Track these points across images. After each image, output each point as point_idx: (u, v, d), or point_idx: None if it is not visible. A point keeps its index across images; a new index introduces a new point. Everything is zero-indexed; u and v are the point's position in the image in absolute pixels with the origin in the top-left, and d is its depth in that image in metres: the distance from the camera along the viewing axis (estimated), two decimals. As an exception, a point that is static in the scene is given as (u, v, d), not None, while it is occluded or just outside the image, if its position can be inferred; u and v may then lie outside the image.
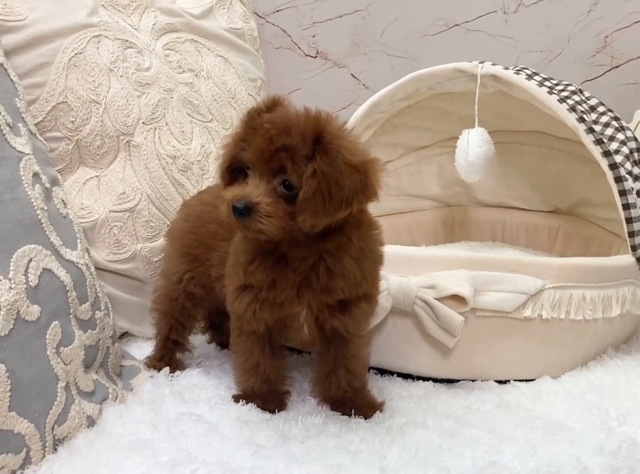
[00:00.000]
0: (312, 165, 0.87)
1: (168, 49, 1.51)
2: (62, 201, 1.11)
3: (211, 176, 1.46)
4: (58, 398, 0.92)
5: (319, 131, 0.88)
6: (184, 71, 1.51)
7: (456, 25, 1.97)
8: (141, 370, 1.19)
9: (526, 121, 1.66)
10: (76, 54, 1.34)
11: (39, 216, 0.98)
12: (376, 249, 1.00)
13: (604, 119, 1.38)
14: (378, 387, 1.12)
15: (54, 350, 0.93)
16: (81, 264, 1.07)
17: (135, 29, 1.47)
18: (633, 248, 1.26)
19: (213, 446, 0.92)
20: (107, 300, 1.18)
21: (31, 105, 1.28)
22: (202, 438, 0.93)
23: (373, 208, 0.98)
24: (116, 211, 1.34)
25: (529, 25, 1.97)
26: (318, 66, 1.99)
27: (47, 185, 1.06)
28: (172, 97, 1.45)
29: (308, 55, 1.98)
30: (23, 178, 0.98)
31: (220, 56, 1.61)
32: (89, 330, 1.05)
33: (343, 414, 1.03)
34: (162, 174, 1.39)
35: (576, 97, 1.37)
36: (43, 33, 1.31)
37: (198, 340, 1.32)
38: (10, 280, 0.88)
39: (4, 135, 0.97)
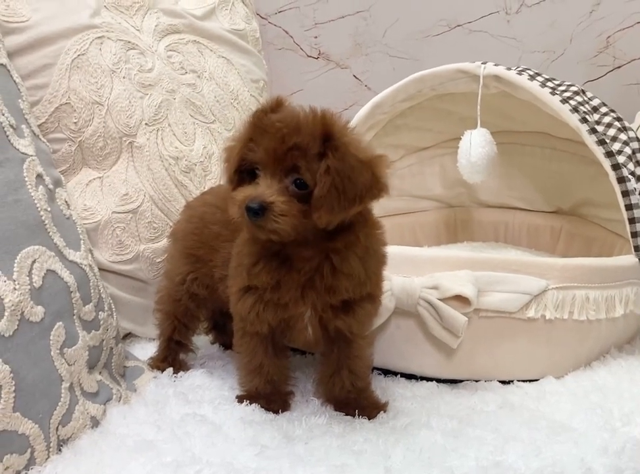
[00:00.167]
0: (325, 162, 0.88)
1: (170, 50, 1.51)
2: (66, 202, 1.11)
3: (213, 177, 1.46)
4: (62, 399, 0.92)
5: (327, 130, 0.89)
6: (186, 72, 1.52)
7: (458, 25, 1.96)
8: (145, 371, 1.19)
9: (528, 122, 1.66)
10: (78, 55, 1.34)
11: (43, 218, 0.98)
12: (380, 249, 1.00)
13: (607, 120, 1.38)
14: (381, 387, 1.12)
15: (58, 351, 0.94)
16: (85, 265, 1.07)
17: (138, 30, 1.47)
18: (636, 248, 1.26)
19: (217, 446, 0.92)
20: (111, 301, 1.18)
21: (34, 106, 1.29)
22: (206, 439, 0.93)
23: (375, 208, 0.99)
24: (119, 212, 1.35)
25: (531, 25, 1.97)
26: (320, 67, 1.99)
27: (51, 186, 1.06)
28: (174, 98, 1.46)
29: (310, 56, 1.98)
30: (26, 179, 0.98)
31: (223, 57, 1.62)
32: (93, 331, 1.05)
33: (347, 414, 1.03)
34: (165, 175, 1.39)
35: (579, 98, 1.37)
36: (46, 35, 1.32)
37: (201, 341, 1.32)
38: (15, 281, 0.88)
39: (7, 136, 0.98)
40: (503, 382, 1.14)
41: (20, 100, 1.08)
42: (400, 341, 1.14)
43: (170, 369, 1.18)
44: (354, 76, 2.00)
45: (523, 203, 1.80)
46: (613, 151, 1.29)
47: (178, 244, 1.20)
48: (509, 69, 1.41)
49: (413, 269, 1.13)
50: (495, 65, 1.42)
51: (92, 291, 1.07)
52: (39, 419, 0.87)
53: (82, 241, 1.10)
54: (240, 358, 1.07)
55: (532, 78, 1.38)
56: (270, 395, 1.05)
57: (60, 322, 0.95)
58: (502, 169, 1.67)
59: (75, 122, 1.33)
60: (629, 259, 1.25)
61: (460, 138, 1.50)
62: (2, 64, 1.06)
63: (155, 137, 1.40)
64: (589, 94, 1.43)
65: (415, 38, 1.97)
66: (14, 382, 0.84)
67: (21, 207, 0.95)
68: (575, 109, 1.32)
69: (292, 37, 1.96)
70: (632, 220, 1.26)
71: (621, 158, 1.29)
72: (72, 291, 1.00)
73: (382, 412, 1.03)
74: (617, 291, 1.20)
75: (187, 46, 1.55)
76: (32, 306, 0.90)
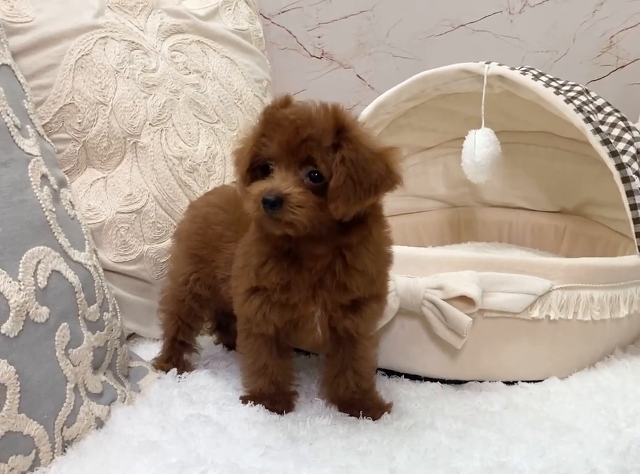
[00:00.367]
0: (340, 153, 0.88)
1: (174, 50, 1.51)
2: (70, 202, 1.11)
3: (217, 177, 1.46)
4: (67, 400, 0.92)
5: (340, 122, 0.90)
6: (190, 72, 1.51)
7: (461, 25, 1.96)
8: (149, 372, 1.19)
9: (532, 121, 1.66)
10: (82, 55, 1.34)
11: (48, 218, 0.98)
12: (387, 248, 1.00)
13: (611, 119, 1.38)
14: (385, 388, 1.12)
15: (63, 352, 0.94)
16: (90, 266, 1.07)
17: (142, 30, 1.47)
18: (641, 248, 1.26)
19: (222, 447, 0.92)
20: (115, 301, 1.18)
21: (39, 106, 1.28)
22: (211, 440, 0.93)
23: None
24: (123, 212, 1.35)
25: (534, 25, 1.97)
26: (323, 67, 1.99)
27: (55, 186, 1.06)
28: (178, 98, 1.45)
29: (313, 56, 1.98)
30: (31, 179, 0.98)
31: (226, 57, 1.62)
32: (98, 332, 1.05)
33: (351, 415, 1.03)
34: (169, 175, 1.39)
35: (583, 98, 1.37)
36: (50, 35, 1.31)
37: (205, 341, 1.32)
38: (20, 281, 0.88)
39: (12, 137, 0.98)
40: (507, 383, 1.14)
41: (24, 100, 1.08)
42: (404, 341, 1.14)
43: (174, 370, 1.18)
44: (357, 75, 2.00)
45: (527, 202, 1.80)
46: (618, 150, 1.29)
47: (182, 244, 1.20)
48: (513, 69, 1.41)
49: (418, 269, 1.12)
50: (499, 65, 1.42)
51: (97, 291, 1.07)
52: (44, 420, 0.87)
53: (87, 242, 1.10)
54: (244, 359, 1.07)
55: (536, 77, 1.38)
56: (274, 396, 1.05)
57: (65, 323, 0.95)
58: (505, 169, 1.67)
59: (79, 122, 1.33)
60: (634, 259, 1.25)
61: (464, 138, 1.50)
62: (6, 65, 1.06)
63: (159, 138, 1.40)
64: (593, 94, 1.43)
65: (418, 38, 1.97)
66: (19, 383, 0.84)
67: (26, 207, 0.95)
68: (579, 109, 1.32)
69: (295, 37, 1.96)
70: (636, 220, 1.26)
71: (625, 158, 1.29)
72: (76, 292, 1.00)
73: (386, 413, 1.03)
74: (622, 292, 1.20)
75: (191, 46, 1.55)
76: (37, 307, 0.90)
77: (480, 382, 1.14)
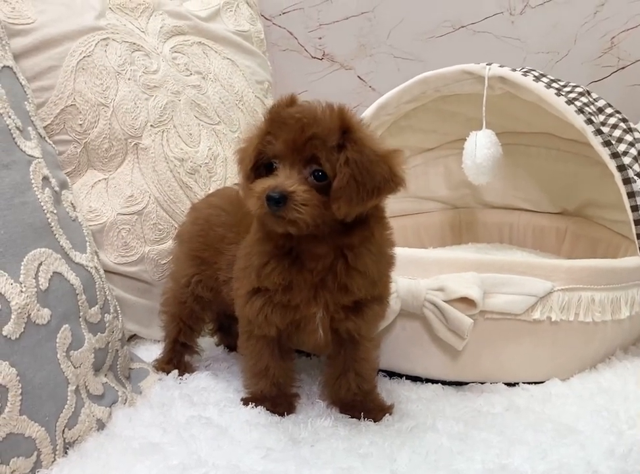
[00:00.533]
0: (344, 154, 0.88)
1: (175, 51, 1.51)
2: (72, 204, 1.11)
3: (218, 179, 1.46)
4: (68, 402, 0.92)
5: (345, 123, 0.90)
6: (191, 74, 1.52)
7: (462, 26, 1.96)
8: (150, 373, 1.19)
9: (533, 123, 1.66)
10: (84, 57, 1.34)
11: (49, 220, 0.99)
12: (389, 250, 1.00)
13: (612, 120, 1.38)
14: (387, 390, 1.12)
15: (64, 353, 0.94)
16: (91, 268, 1.07)
17: (143, 32, 1.47)
18: (642, 249, 1.26)
19: (223, 449, 0.92)
20: (116, 303, 1.18)
21: (40, 108, 1.29)
22: (212, 442, 0.93)
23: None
24: (124, 214, 1.35)
25: (535, 26, 1.97)
26: (324, 68, 1.99)
27: (57, 188, 1.06)
28: (179, 100, 1.46)
29: (315, 57, 1.98)
30: (33, 181, 0.98)
31: (228, 58, 1.62)
32: (99, 333, 1.05)
33: (352, 417, 1.03)
34: (170, 177, 1.39)
35: (584, 99, 1.37)
36: (51, 37, 1.32)
37: (206, 342, 1.32)
38: (21, 283, 0.88)
39: (14, 138, 0.98)
40: (508, 384, 1.13)
41: (26, 102, 1.08)
42: (406, 343, 1.14)
43: (176, 371, 1.18)
44: (358, 76, 1.99)
45: (528, 204, 1.80)
46: (619, 152, 1.29)
47: (184, 246, 1.20)
48: (514, 70, 1.40)
49: (419, 271, 1.12)
50: (500, 66, 1.42)
51: (98, 293, 1.07)
52: (46, 422, 0.88)
53: (88, 244, 1.11)
54: (245, 361, 1.07)
55: (537, 79, 1.38)
56: (275, 397, 1.05)
57: (67, 325, 0.95)
58: (506, 170, 1.67)
59: (80, 124, 1.33)
60: (635, 260, 1.25)
61: (465, 139, 1.50)
62: (8, 67, 1.06)
63: (160, 139, 1.40)
64: (594, 95, 1.43)
65: (419, 39, 1.97)
66: (20, 385, 0.84)
67: (27, 209, 0.95)
68: (580, 110, 1.32)
69: (296, 38, 1.96)
70: (638, 222, 1.26)
71: (626, 160, 1.29)
72: (78, 294, 1.00)
73: (387, 415, 1.03)
74: (623, 293, 1.20)
75: (192, 47, 1.55)
76: (39, 309, 0.90)
77: (482, 383, 1.14)
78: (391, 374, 1.18)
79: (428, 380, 1.16)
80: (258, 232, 0.98)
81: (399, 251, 1.06)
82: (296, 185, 0.88)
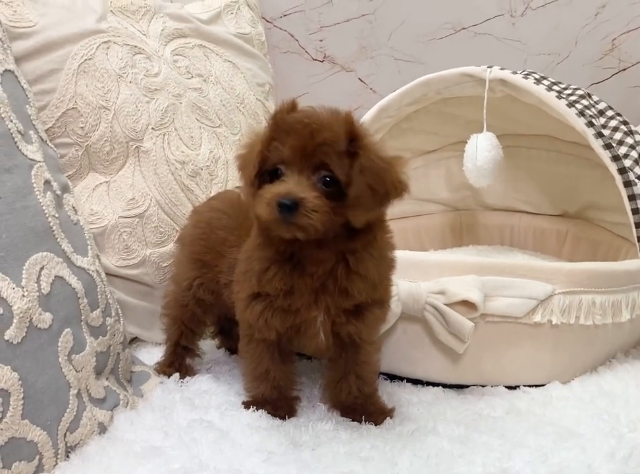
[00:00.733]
0: (359, 162, 0.89)
1: (176, 54, 1.51)
2: (73, 207, 1.11)
3: (219, 181, 1.46)
4: (70, 405, 0.92)
5: (353, 129, 0.91)
6: (192, 76, 1.52)
7: (463, 28, 1.96)
8: (151, 376, 1.20)
9: (534, 125, 1.66)
10: (85, 60, 1.35)
11: (51, 224, 0.99)
12: (390, 253, 1.01)
13: (613, 123, 1.38)
14: (388, 393, 1.12)
15: (66, 357, 0.94)
16: (92, 271, 1.07)
17: (144, 34, 1.47)
18: (643, 252, 1.26)
19: (224, 452, 0.92)
20: (118, 306, 1.18)
21: (41, 111, 1.29)
22: (213, 445, 0.93)
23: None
24: (125, 217, 1.35)
25: (536, 28, 1.97)
26: (325, 71, 1.99)
27: (58, 192, 1.06)
28: (180, 103, 1.46)
29: (315, 59, 1.98)
30: (34, 185, 0.98)
31: (229, 61, 1.62)
32: (100, 337, 1.05)
33: (353, 420, 1.03)
34: (172, 180, 1.39)
35: (585, 101, 1.37)
36: (53, 40, 1.32)
37: (207, 345, 1.32)
38: (23, 288, 0.89)
39: (15, 143, 0.98)
40: (509, 388, 1.13)
41: (27, 106, 1.08)
42: (407, 346, 1.14)
43: (177, 374, 1.18)
44: (359, 79, 2.00)
45: (528, 206, 1.80)
46: (620, 154, 1.29)
47: (186, 249, 1.21)
48: (515, 73, 1.41)
49: (420, 274, 1.13)
50: (501, 69, 1.42)
51: (99, 297, 1.07)
52: (48, 426, 0.88)
53: (90, 247, 1.11)
54: (246, 364, 1.08)
55: (538, 81, 1.38)
56: (276, 401, 1.05)
57: (68, 329, 0.96)
58: (507, 172, 1.67)
59: (82, 127, 1.33)
60: (636, 263, 1.25)
61: (466, 141, 1.51)
62: (10, 71, 1.06)
63: (162, 142, 1.40)
64: (595, 98, 1.43)
65: (420, 41, 1.97)
66: (22, 389, 0.85)
67: (29, 213, 0.95)
68: (581, 113, 1.32)
69: (297, 40, 1.96)
70: (638, 224, 1.26)
71: (627, 162, 1.29)
72: (79, 298, 1.00)
73: (388, 418, 1.03)
74: (624, 296, 1.20)
75: (194, 50, 1.56)
76: (40, 313, 0.90)
77: (483, 386, 1.14)
78: (392, 377, 1.18)
79: (429, 383, 1.16)
80: (259, 237, 0.98)
81: (400, 254, 1.06)
82: (307, 191, 0.88)
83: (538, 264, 1.30)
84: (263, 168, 0.92)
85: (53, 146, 1.17)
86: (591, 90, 1.46)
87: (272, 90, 1.75)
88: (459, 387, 1.15)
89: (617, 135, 1.35)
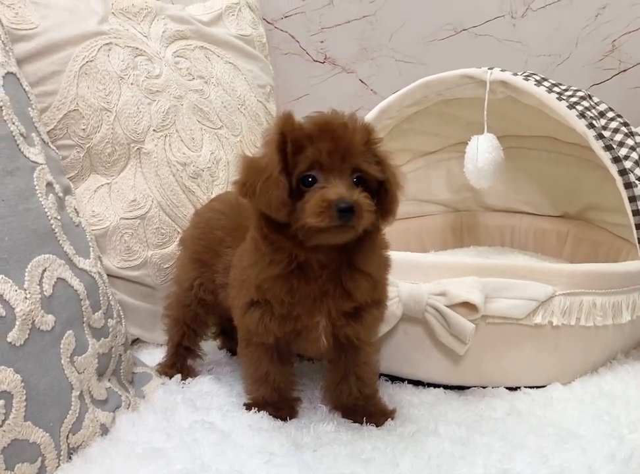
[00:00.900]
0: (388, 168, 0.92)
1: (178, 56, 1.52)
2: (75, 209, 1.12)
3: (220, 183, 1.47)
4: (72, 407, 0.93)
5: (372, 135, 0.93)
6: (193, 78, 1.52)
7: (464, 30, 1.96)
8: (153, 377, 1.20)
9: (535, 126, 1.66)
10: (86, 62, 1.35)
11: (53, 226, 0.99)
12: (385, 251, 1.01)
13: (614, 125, 1.38)
14: (389, 394, 1.13)
15: (68, 359, 0.94)
16: (94, 273, 1.08)
17: (146, 36, 1.48)
18: (643, 254, 1.26)
19: (226, 454, 0.92)
20: (119, 308, 1.18)
21: (43, 113, 1.29)
22: (215, 447, 0.94)
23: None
24: (127, 218, 1.35)
25: (536, 29, 1.97)
26: (326, 72, 1.99)
27: (60, 194, 1.07)
28: (182, 104, 1.46)
29: (316, 61, 1.98)
30: (37, 188, 0.99)
31: (230, 62, 1.62)
32: (102, 338, 1.06)
33: (355, 421, 1.03)
34: (173, 181, 1.40)
35: (585, 103, 1.37)
36: (54, 42, 1.32)
37: (209, 346, 1.33)
38: (25, 290, 0.89)
39: (18, 145, 0.98)
40: (510, 389, 1.14)
41: (29, 108, 1.09)
42: (408, 347, 1.15)
43: (179, 376, 1.19)
44: (360, 80, 2.00)
45: (529, 207, 1.80)
46: (620, 156, 1.29)
47: (187, 250, 1.21)
48: (515, 74, 1.41)
49: (420, 275, 1.13)
50: (502, 70, 1.42)
51: (101, 298, 1.08)
52: (50, 428, 0.88)
53: (91, 249, 1.11)
54: (245, 367, 1.08)
55: (538, 83, 1.38)
56: (277, 402, 1.06)
57: (71, 331, 0.96)
58: (508, 173, 1.67)
59: (83, 129, 1.34)
60: (636, 264, 1.25)
61: (466, 143, 1.50)
62: (12, 73, 1.07)
63: (163, 143, 1.40)
64: (596, 99, 1.43)
65: (421, 42, 1.97)
66: (25, 391, 0.85)
67: (31, 215, 0.95)
68: (582, 115, 1.32)
69: (298, 41, 1.96)
70: (639, 226, 1.26)
71: (628, 164, 1.29)
72: (81, 299, 1.00)
73: (390, 419, 1.04)
74: (624, 297, 1.20)
75: (195, 52, 1.56)
76: (43, 315, 0.91)
77: (483, 388, 1.14)
78: (393, 379, 1.18)
79: (430, 385, 1.16)
80: (262, 247, 0.95)
81: (401, 256, 1.07)
82: (355, 193, 0.88)
83: (538, 266, 1.30)
84: (291, 182, 0.89)
85: (54, 148, 1.17)
86: (592, 91, 1.46)
87: (273, 91, 1.75)
88: (460, 388, 1.15)
89: (618, 137, 1.35)
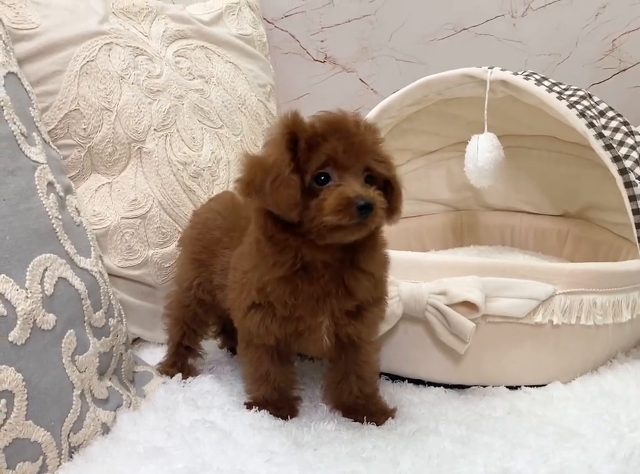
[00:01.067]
0: (395, 167, 0.93)
1: (178, 55, 1.52)
2: (76, 209, 1.12)
3: (221, 182, 1.47)
4: (73, 406, 0.93)
5: (377, 133, 0.93)
6: (194, 78, 1.52)
7: (464, 29, 1.96)
8: (154, 376, 1.20)
9: (535, 125, 1.66)
10: (87, 61, 1.35)
11: (54, 225, 0.99)
12: (383, 249, 1.01)
13: (614, 124, 1.38)
14: (389, 393, 1.13)
15: (69, 358, 0.94)
16: (95, 272, 1.08)
17: (146, 36, 1.48)
18: (643, 253, 1.26)
19: (227, 453, 0.92)
20: (120, 307, 1.18)
21: (44, 112, 1.29)
22: (216, 446, 0.94)
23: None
24: (128, 218, 1.35)
25: (537, 28, 1.97)
26: (326, 71, 1.99)
27: (61, 194, 1.07)
28: (182, 104, 1.46)
29: (317, 60, 1.98)
30: (38, 187, 0.99)
31: (230, 62, 1.62)
32: (103, 338, 1.06)
33: (355, 420, 1.04)
34: (174, 181, 1.40)
35: (585, 102, 1.37)
36: (55, 41, 1.32)
37: (209, 345, 1.33)
38: (27, 289, 0.89)
39: (19, 145, 0.98)
40: (510, 388, 1.13)
41: (30, 108, 1.09)
42: (408, 346, 1.15)
43: (179, 375, 1.19)
44: (360, 79, 2.00)
45: (529, 206, 1.80)
46: (620, 155, 1.29)
47: (186, 250, 1.22)
48: (516, 74, 1.41)
49: (421, 275, 1.13)
50: (502, 70, 1.42)
51: (102, 297, 1.08)
52: (51, 427, 0.88)
53: (92, 248, 1.11)
54: (246, 367, 1.08)
55: (539, 82, 1.38)
56: (277, 401, 1.06)
57: (72, 330, 0.96)
58: (508, 172, 1.67)
59: (84, 128, 1.34)
60: (636, 263, 1.25)
61: (467, 142, 1.50)
62: (13, 73, 1.07)
63: (164, 143, 1.40)
64: (596, 98, 1.43)
65: (421, 42, 1.97)
66: (26, 390, 0.85)
67: (33, 215, 0.96)
68: (582, 114, 1.32)
69: (298, 41, 1.96)
70: (639, 225, 1.26)
71: (628, 163, 1.29)
72: (82, 299, 1.01)
73: (390, 418, 1.04)
74: (625, 296, 1.20)
75: (195, 51, 1.56)
76: (44, 314, 0.91)
77: (484, 387, 1.14)
78: (394, 378, 1.18)
79: (430, 384, 1.16)
80: (265, 247, 0.94)
81: (401, 255, 1.07)
82: (370, 191, 0.88)
83: (539, 265, 1.30)
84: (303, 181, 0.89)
85: (55, 148, 1.17)
86: (592, 91, 1.46)
87: (273, 91, 1.75)
88: (461, 387, 1.15)
89: (618, 136, 1.36)
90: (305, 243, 0.91)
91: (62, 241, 1.00)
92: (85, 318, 1.01)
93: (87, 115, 1.34)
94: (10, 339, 0.85)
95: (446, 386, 1.15)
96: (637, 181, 1.28)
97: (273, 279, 0.94)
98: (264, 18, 1.88)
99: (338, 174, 0.89)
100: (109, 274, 1.24)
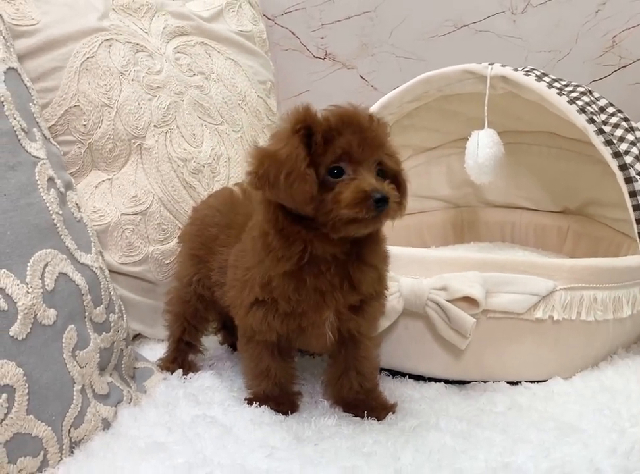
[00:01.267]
0: (402, 162, 0.94)
1: (178, 52, 1.52)
2: (77, 204, 1.12)
3: (221, 179, 1.47)
4: (74, 401, 0.93)
5: (386, 127, 0.94)
6: (194, 74, 1.52)
7: (464, 26, 1.97)
8: (155, 372, 1.20)
9: (535, 122, 1.66)
10: (87, 58, 1.35)
11: (55, 221, 0.99)
12: (384, 244, 1.01)
13: (614, 120, 1.38)
14: (390, 389, 1.13)
15: (70, 353, 0.94)
16: (96, 268, 1.08)
17: (146, 32, 1.48)
18: (644, 248, 1.26)
19: (228, 448, 0.92)
20: (121, 303, 1.18)
21: (44, 108, 1.29)
22: (217, 441, 0.94)
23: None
24: (128, 214, 1.35)
25: (537, 25, 1.97)
26: (326, 68, 1.99)
27: (62, 189, 1.07)
28: (182, 100, 1.46)
29: (317, 57, 1.98)
30: (38, 182, 0.99)
31: (230, 58, 1.62)
32: (104, 333, 1.06)
33: (356, 416, 1.04)
34: (174, 177, 1.40)
35: (586, 98, 1.37)
36: (55, 38, 1.32)
37: (210, 341, 1.33)
38: (27, 284, 0.89)
39: (19, 140, 0.98)
40: (511, 383, 1.14)
41: (30, 103, 1.08)
42: (408, 342, 1.15)
43: (180, 370, 1.19)
44: (360, 76, 2.00)
45: (530, 202, 1.80)
46: (621, 151, 1.30)
47: (186, 247, 1.22)
48: (516, 70, 1.41)
49: (421, 270, 1.13)
50: (502, 66, 1.43)
51: (103, 293, 1.08)
52: (52, 422, 0.88)
53: (93, 244, 1.11)
54: (246, 363, 1.08)
55: (539, 78, 1.38)
56: (278, 397, 1.06)
57: (72, 325, 0.96)
58: (508, 169, 1.67)
59: (84, 125, 1.34)
60: (637, 259, 1.25)
61: (467, 138, 1.51)
62: (13, 68, 1.06)
63: (164, 139, 1.40)
64: (596, 94, 1.43)
65: (421, 38, 1.97)
66: (27, 385, 0.85)
67: (33, 210, 0.95)
68: (582, 110, 1.32)
69: (298, 38, 1.97)
70: (639, 221, 1.26)
71: (628, 159, 1.29)
72: (83, 294, 1.01)
73: (391, 413, 1.04)
74: (625, 292, 1.20)
75: (195, 48, 1.56)
76: (45, 309, 0.91)
77: (484, 382, 1.14)
78: (394, 373, 1.18)
79: (431, 379, 1.16)
80: (273, 240, 0.93)
81: (402, 251, 1.06)
82: (384, 184, 0.89)
83: (539, 261, 1.30)
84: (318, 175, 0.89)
85: (55, 143, 1.17)
86: (592, 87, 1.46)
87: (273, 87, 1.75)
88: (461, 383, 1.15)
89: (618, 132, 1.36)
90: (316, 236, 0.91)
91: (62, 236, 1.00)
92: (86, 313, 1.01)
93: (87, 111, 1.34)
94: (10, 334, 0.85)
95: (447, 381, 1.15)
96: (637, 177, 1.28)
97: (278, 274, 0.94)
98: (264, 15, 1.88)
99: (352, 167, 0.89)
100: (110, 271, 1.24)
